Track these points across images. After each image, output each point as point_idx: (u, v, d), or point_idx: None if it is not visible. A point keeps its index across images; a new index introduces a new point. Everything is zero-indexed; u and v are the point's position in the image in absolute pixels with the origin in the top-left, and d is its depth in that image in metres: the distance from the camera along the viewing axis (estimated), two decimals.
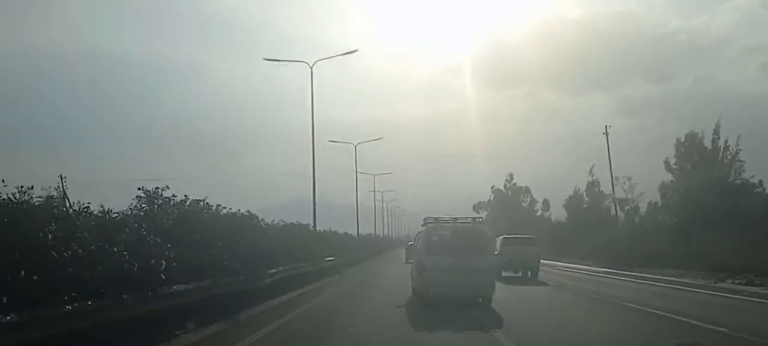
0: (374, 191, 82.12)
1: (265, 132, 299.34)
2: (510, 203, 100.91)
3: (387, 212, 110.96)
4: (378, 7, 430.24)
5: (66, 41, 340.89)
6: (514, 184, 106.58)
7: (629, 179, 66.21)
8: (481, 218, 19.48)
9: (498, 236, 32.65)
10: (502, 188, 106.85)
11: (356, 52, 43.73)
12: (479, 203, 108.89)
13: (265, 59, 41.81)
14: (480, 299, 17.60)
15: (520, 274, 32.27)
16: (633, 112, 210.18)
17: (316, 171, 40.20)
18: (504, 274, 30.77)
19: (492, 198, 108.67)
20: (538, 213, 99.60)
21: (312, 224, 38.33)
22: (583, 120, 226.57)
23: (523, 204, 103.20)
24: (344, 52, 43.09)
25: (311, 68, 39.34)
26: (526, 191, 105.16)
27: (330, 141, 59.50)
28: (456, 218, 19.03)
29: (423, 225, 19.72)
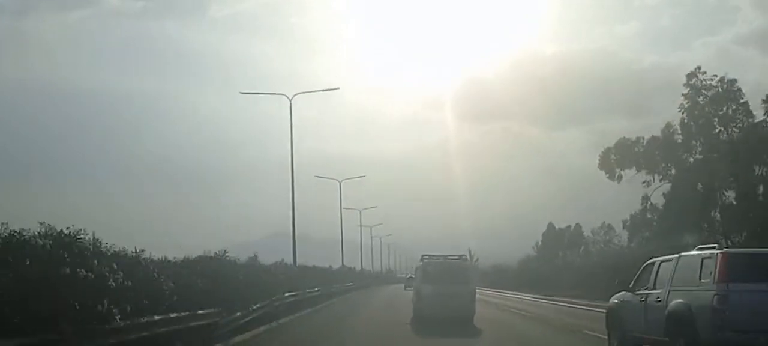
0: (361, 226, 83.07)
1: (242, 167, 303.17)
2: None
3: (387, 248, 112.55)
4: (357, 43, 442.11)
5: (44, 76, 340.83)
6: (715, 77, 43.54)
7: None
8: (465, 255, 25.50)
9: (658, 258, 13.75)
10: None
11: (337, 90, 48.57)
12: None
13: (242, 93, 42.10)
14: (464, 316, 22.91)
15: None
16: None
17: (297, 205, 37.81)
18: None
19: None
20: None
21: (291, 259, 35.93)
22: (560, 155, 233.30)
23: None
24: (325, 88, 43.21)
25: (290, 101, 36.94)
26: None
27: (316, 176, 60.83)
28: (446, 256, 24.99)
29: (420, 260, 25.45)
